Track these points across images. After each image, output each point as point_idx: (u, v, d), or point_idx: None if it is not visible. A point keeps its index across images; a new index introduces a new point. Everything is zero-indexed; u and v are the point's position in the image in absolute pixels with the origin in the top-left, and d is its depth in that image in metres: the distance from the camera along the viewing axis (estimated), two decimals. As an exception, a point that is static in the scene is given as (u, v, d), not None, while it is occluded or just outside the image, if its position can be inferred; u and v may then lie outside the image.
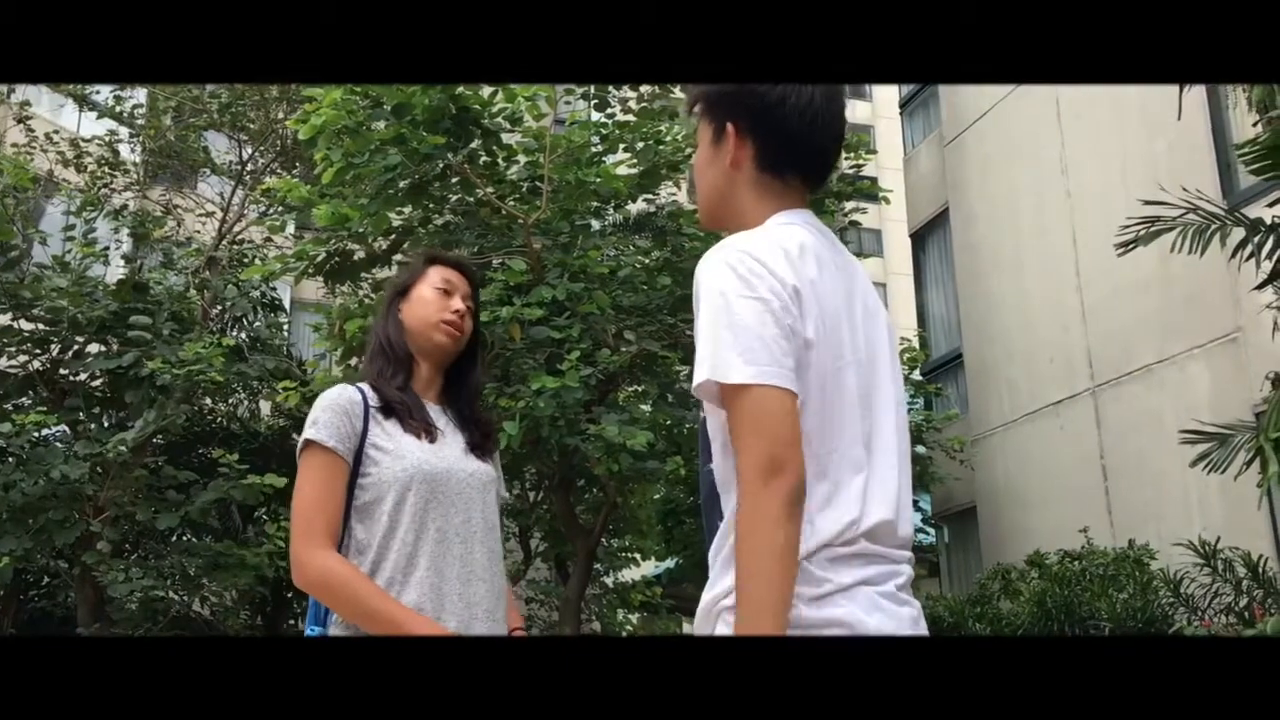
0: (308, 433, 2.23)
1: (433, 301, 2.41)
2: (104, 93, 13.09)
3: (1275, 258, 5.57)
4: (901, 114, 14.98)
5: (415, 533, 2.20)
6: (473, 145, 7.76)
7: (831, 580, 1.56)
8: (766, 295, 1.58)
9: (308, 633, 2.27)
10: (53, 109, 15.99)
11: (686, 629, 13.89)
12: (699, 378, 1.59)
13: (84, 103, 13.22)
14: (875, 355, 1.72)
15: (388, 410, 2.30)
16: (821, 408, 1.61)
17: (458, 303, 2.43)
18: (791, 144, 1.74)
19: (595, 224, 9.10)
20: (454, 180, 7.85)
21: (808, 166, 1.78)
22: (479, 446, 2.40)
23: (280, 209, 11.41)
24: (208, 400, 11.58)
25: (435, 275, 2.46)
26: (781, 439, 1.52)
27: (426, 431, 2.30)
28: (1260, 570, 6.76)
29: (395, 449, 2.24)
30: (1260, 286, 5.91)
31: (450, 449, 2.32)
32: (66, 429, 9.86)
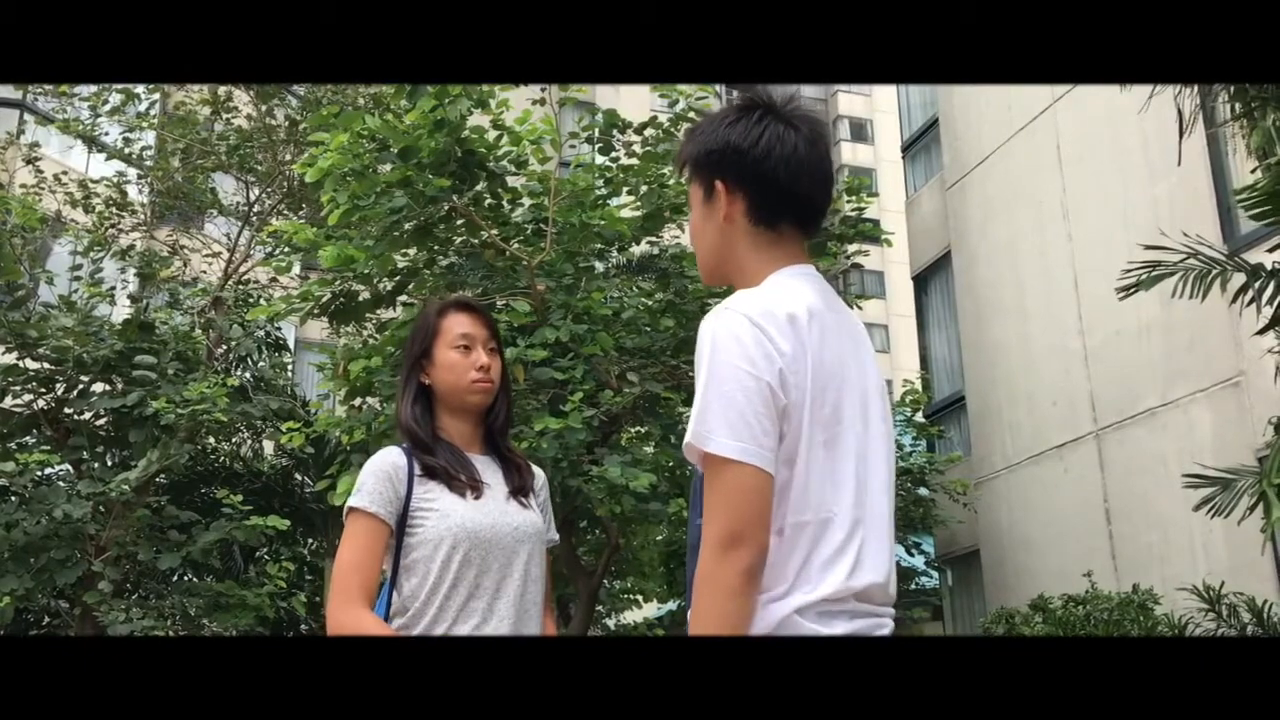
0: (351, 499, 2.27)
1: (458, 364, 2.40)
2: (113, 134, 13.19)
3: (1276, 303, 5.58)
4: (904, 157, 15.06)
5: (457, 589, 2.23)
6: (478, 188, 7.82)
7: (822, 633, 1.58)
8: (761, 370, 1.59)
9: None
10: (62, 150, 16.12)
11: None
12: (686, 438, 1.62)
13: (93, 144, 13.33)
14: (869, 414, 1.73)
15: (431, 472, 2.32)
16: (823, 471, 1.63)
17: (481, 356, 2.41)
18: (781, 195, 1.76)
19: (599, 266, 9.13)
20: (459, 222, 7.90)
21: (799, 214, 1.80)
22: (520, 489, 2.40)
23: (286, 250, 11.47)
24: (211, 440, 11.60)
25: (451, 331, 2.43)
26: (747, 516, 1.54)
27: (472, 488, 2.31)
28: (1265, 615, 6.72)
29: (440, 508, 2.27)
30: (1262, 331, 5.91)
31: (495, 502, 2.33)
32: (70, 468, 9.85)
